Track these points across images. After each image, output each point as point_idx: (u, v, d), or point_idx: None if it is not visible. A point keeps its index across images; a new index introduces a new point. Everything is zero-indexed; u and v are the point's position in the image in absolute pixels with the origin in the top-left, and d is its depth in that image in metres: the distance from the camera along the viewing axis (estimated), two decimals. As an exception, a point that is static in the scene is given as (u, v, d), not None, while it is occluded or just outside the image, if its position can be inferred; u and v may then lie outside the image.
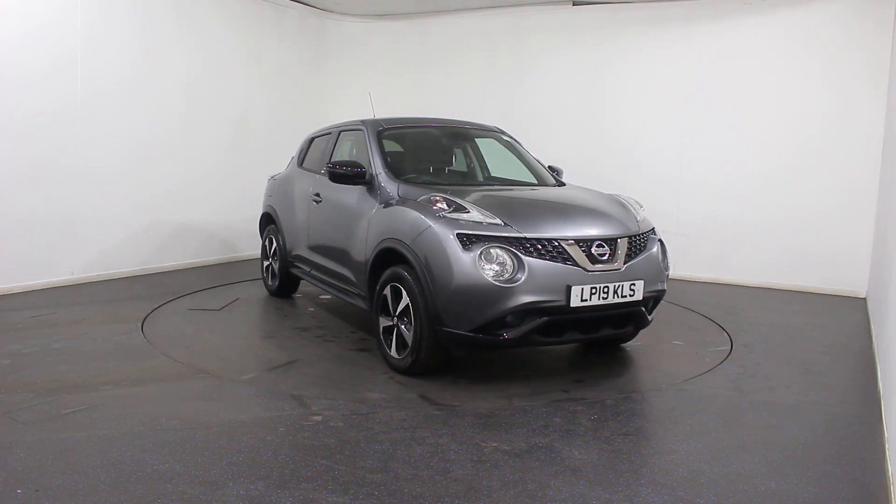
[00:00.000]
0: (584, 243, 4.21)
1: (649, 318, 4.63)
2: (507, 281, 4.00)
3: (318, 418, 3.63)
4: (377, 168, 5.09)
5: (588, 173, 8.46)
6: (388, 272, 4.51)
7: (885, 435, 3.59)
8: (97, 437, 3.31)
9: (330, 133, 6.20)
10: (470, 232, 4.11)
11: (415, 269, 4.25)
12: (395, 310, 4.45)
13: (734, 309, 6.68)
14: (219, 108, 8.29)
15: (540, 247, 4.12)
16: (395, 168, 5.16)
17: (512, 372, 4.64)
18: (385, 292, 4.53)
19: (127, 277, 7.22)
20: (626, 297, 4.25)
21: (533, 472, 3.08)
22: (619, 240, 4.34)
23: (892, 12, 7.15)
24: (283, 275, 6.56)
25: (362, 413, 3.73)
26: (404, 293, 4.34)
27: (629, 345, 5.27)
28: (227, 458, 3.11)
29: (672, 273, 8.32)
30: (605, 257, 4.24)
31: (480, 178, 5.86)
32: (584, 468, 3.15)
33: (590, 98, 8.73)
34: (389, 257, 4.55)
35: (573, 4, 8.73)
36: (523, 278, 4.00)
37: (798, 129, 7.67)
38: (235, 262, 8.55)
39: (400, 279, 4.38)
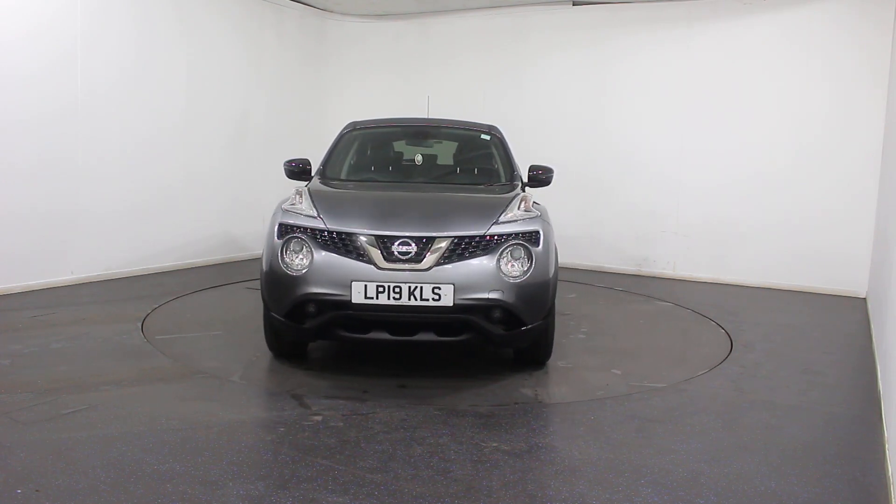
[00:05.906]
0: (385, 240, 4.07)
1: (498, 331, 4.12)
2: (297, 270, 4.12)
3: (318, 418, 3.63)
4: (322, 165, 5.40)
5: (588, 173, 8.50)
6: None
7: (885, 435, 3.59)
8: (97, 437, 3.31)
9: None
10: (289, 222, 4.28)
11: None
12: None
13: (734, 309, 6.68)
14: (219, 108, 8.29)
15: (337, 240, 4.14)
16: (338, 166, 5.41)
17: (355, 367, 4.61)
18: None
19: (127, 277, 7.21)
20: (427, 300, 3.99)
21: (533, 472, 3.08)
22: (435, 239, 4.07)
23: (892, 12, 7.14)
24: None
25: (362, 413, 3.73)
26: None
27: (555, 364, 4.71)
28: (227, 458, 3.11)
29: (672, 273, 8.42)
30: (409, 257, 4.04)
31: (418, 177, 5.48)
32: (584, 468, 3.15)
33: (590, 98, 8.72)
34: None
35: (573, 4, 8.73)
36: (310, 269, 4.10)
37: (798, 129, 7.66)
38: (237, 261, 8.54)
39: None
